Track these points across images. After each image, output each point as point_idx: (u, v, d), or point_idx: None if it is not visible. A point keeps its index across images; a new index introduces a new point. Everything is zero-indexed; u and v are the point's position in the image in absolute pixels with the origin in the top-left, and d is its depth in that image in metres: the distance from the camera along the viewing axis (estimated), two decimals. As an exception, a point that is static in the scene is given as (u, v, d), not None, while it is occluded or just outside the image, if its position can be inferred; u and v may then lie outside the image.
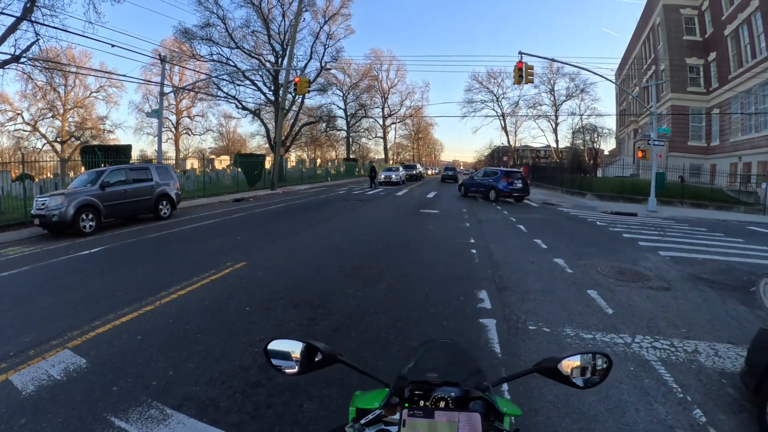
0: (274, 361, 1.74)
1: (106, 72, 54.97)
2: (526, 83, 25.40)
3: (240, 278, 8.49)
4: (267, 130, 50.80)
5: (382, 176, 45.41)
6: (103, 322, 6.02)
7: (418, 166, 70.05)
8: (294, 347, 1.73)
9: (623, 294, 8.55)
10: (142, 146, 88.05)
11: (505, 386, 4.60)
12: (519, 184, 28.76)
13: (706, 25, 40.72)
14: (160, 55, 29.62)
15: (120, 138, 70.87)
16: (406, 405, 1.50)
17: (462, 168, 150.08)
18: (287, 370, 1.73)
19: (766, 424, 4.06)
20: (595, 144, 72.98)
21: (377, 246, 12.03)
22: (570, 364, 1.70)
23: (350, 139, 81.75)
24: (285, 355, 1.74)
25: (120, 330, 5.78)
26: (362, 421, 1.51)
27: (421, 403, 1.52)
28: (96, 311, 6.47)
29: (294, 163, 64.26)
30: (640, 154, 31.73)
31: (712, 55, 39.61)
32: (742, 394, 4.81)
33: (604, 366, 1.71)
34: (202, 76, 46.18)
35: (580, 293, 8.44)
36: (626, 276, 10.00)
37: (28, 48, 21.53)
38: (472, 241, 13.45)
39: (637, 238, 15.49)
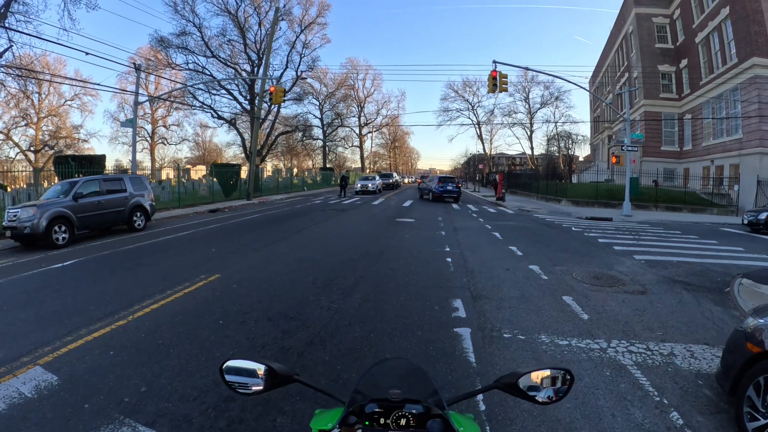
0: (230, 380, 1.72)
1: (81, 80, 54.62)
2: (501, 92, 25.66)
3: (214, 291, 8.45)
4: (243, 139, 50.53)
5: (359, 185, 45.53)
6: (75, 337, 5.97)
7: (395, 174, 70.35)
8: (250, 367, 1.72)
9: (598, 299, 8.68)
10: (117, 156, 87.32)
11: (480, 396, 4.64)
12: (449, 187, 35.96)
13: (678, 33, 41.74)
14: (135, 63, 29.32)
15: (95, 147, 70.31)
16: (366, 423, 1.48)
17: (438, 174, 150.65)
18: (243, 391, 1.72)
19: (744, 425, 4.14)
20: (569, 150, 74.04)
21: (352, 256, 12.05)
22: (530, 379, 1.68)
23: (326, 148, 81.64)
24: (241, 375, 1.73)
25: (92, 345, 5.72)
26: None
27: (382, 420, 1.49)
28: (68, 326, 6.40)
29: (270, 173, 64.07)
30: (614, 159, 32.17)
31: (684, 62, 40.61)
32: (719, 395, 4.90)
33: (566, 382, 1.70)
34: (178, 85, 45.92)
35: (556, 300, 8.55)
36: (601, 281, 10.15)
37: (1, 54, 21.31)
38: (448, 249, 13.54)
39: (612, 243, 15.73)
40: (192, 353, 5.54)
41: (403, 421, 1.47)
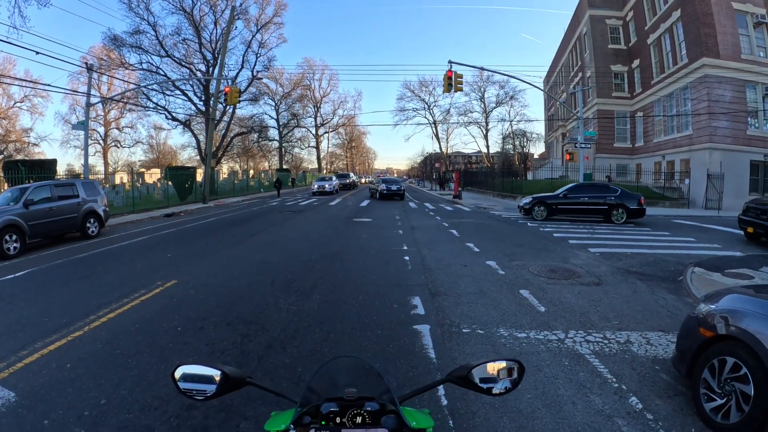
0: (183, 387, 1.69)
1: (31, 81, 52.96)
2: (456, 91, 25.95)
3: (171, 297, 8.37)
4: (198, 141, 49.92)
5: (316, 186, 45.43)
6: (31, 351, 5.84)
7: (352, 175, 70.54)
8: (203, 372, 1.69)
9: (555, 292, 8.90)
10: (68, 160, 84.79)
11: (441, 391, 4.74)
12: (393, 188, 39.73)
13: (631, 35, 42.95)
14: (87, 63, 28.59)
15: (46, 151, 68.21)
16: (323, 423, 1.50)
17: (396, 176, 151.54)
18: (197, 397, 1.69)
19: (701, 406, 4.34)
20: (524, 148, 75.14)
21: (310, 257, 12.07)
22: (481, 372, 1.70)
23: (283, 150, 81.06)
24: (194, 380, 1.69)
25: (48, 359, 5.61)
26: None
27: (338, 419, 1.51)
28: (22, 340, 6.25)
29: (226, 175, 63.13)
30: (568, 156, 32.90)
31: (636, 62, 41.82)
32: (676, 378, 5.11)
33: (516, 373, 1.72)
34: (132, 86, 45.03)
35: (513, 293, 8.74)
36: (557, 274, 10.40)
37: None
38: (405, 248, 13.67)
39: (567, 237, 16.09)
40: (151, 362, 5.50)
41: (359, 419, 1.51)
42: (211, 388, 1.68)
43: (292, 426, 1.54)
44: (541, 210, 22.77)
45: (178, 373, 1.70)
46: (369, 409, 1.53)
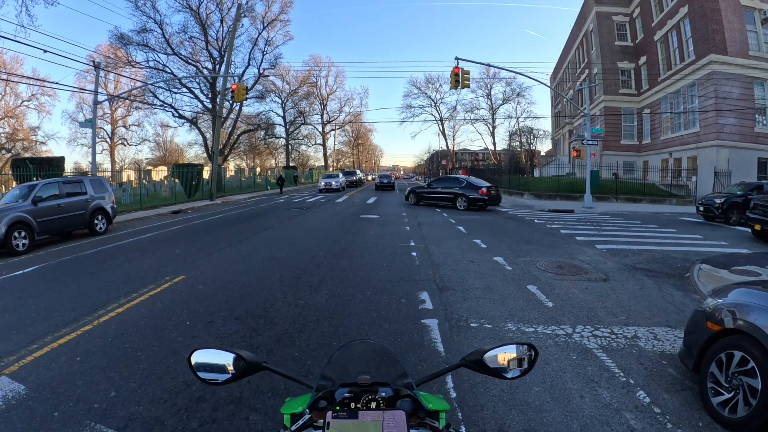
0: (200, 373, 1.71)
1: (39, 79, 53.19)
2: (463, 88, 25.84)
3: (179, 292, 8.41)
4: (204, 139, 49.81)
5: (322, 183, 45.56)
6: (41, 345, 5.88)
7: (358, 172, 70.35)
8: (218, 357, 1.71)
9: (562, 287, 8.88)
10: (76, 158, 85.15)
11: (450, 384, 4.78)
12: (385, 181, 52.14)
13: (637, 31, 42.93)
14: (94, 61, 28.60)
15: (53, 150, 68.25)
16: (338, 408, 1.51)
17: (402, 173, 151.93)
18: (213, 381, 1.71)
19: (709, 400, 4.34)
20: (531, 145, 75.01)
21: (318, 253, 12.09)
22: (495, 356, 1.73)
23: (289, 147, 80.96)
24: (210, 366, 1.71)
25: (58, 352, 5.66)
26: (292, 428, 1.53)
27: (352, 405, 1.53)
28: (33, 334, 6.30)
29: (233, 173, 63.31)
30: (575, 153, 32.85)
31: (643, 59, 41.75)
32: (683, 373, 5.11)
33: (530, 357, 1.75)
34: (138, 84, 45.11)
35: (520, 289, 8.73)
36: (565, 270, 10.39)
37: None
38: (413, 243, 13.67)
39: (575, 234, 16.06)
40: (160, 355, 5.53)
41: (373, 405, 1.52)
42: (227, 373, 1.70)
43: (307, 410, 1.55)
44: (412, 197, 29.50)
45: (194, 358, 1.72)
46: (383, 394, 1.55)
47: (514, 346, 1.74)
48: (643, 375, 5.13)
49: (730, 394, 4.16)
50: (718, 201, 21.38)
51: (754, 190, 20.88)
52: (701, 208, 22.58)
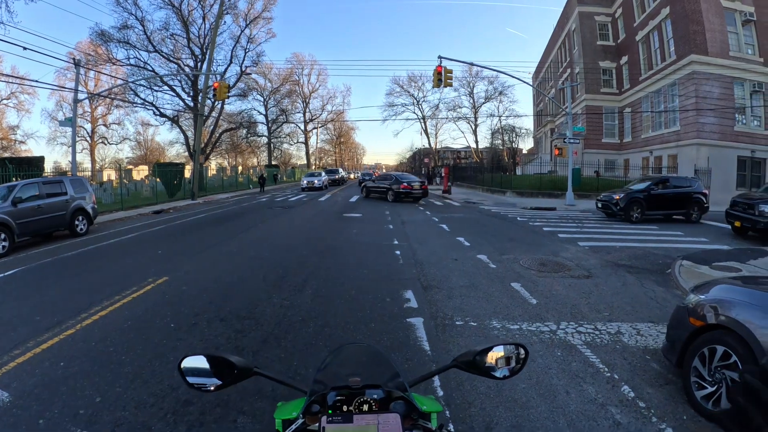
0: (190, 379, 1.69)
1: (18, 77, 52.30)
2: (446, 86, 25.90)
3: (163, 294, 8.34)
4: (186, 137, 49.43)
5: (305, 182, 45.54)
6: (23, 350, 5.79)
7: (341, 170, 70.43)
8: (208, 363, 1.70)
9: (546, 284, 8.98)
10: (55, 157, 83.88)
11: (437, 382, 4.80)
12: (367, 177, 51.92)
13: (619, 31, 43.48)
14: (74, 58, 28.30)
15: (32, 149, 66.99)
16: (330, 411, 1.51)
17: (385, 171, 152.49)
18: (204, 388, 1.69)
19: (692, 394, 4.43)
20: (513, 144, 75.53)
21: (302, 252, 12.08)
22: (486, 356, 1.75)
23: (272, 145, 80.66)
24: (200, 372, 1.69)
25: (42, 358, 5.58)
26: None
27: (345, 408, 1.53)
28: (15, 339, 6.21)
29: (215, 171, 62.81)
30: (556, 151, 33.11)
31: (625, 59, 42.27)
32: (667, 368, 5.19)
33: (521, 357, 1.78)
34: (119, 82, 44.65)
35: (504, 286, 8.81)
36: (548, 267, 10.48)
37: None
38: (396, 242, 13.72)
39: (557, 231, 16.19)
40: (145, 359, 5.49)
41: (365, 407, 1.52)
42: (218, 380, 1.68)
43: (301, 415, 1.55)
44: (364, 191, 34.49)
45: (184, 366, 1.70)
46: (375, 397, 1.55)
47: (504, 346, 1.77)
48: (627, 370, 5.21)
49: (714, 388, 4.25)
50: (616, 196, 20.67)
51: (659, 185, 20.66)
52: (599, 204, 22.07)
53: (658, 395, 4.65)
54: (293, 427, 1.53)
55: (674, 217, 20.77)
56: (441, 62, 25.04)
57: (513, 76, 76.34)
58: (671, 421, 4.20)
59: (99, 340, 6.15)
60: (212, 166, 69.84)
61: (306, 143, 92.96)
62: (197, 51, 46.00)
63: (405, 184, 30.26)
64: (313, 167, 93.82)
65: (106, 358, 5.54)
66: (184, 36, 44.84)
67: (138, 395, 4.63)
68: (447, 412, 4.30)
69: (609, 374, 5.08)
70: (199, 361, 1.70)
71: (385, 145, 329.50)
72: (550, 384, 4.85)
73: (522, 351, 1.78)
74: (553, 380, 4.93)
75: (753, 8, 32.14)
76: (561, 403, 4.48)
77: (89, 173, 52.29)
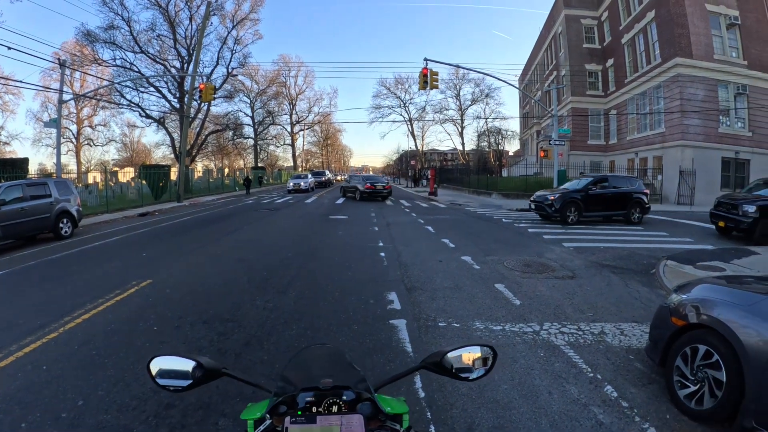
0: (159, 380, 1.67)
1: (2, 77, 51.80)
2: (432, 89, 25.91)
3: (146, 297, 8.29)
4: (172, 139, 49.15)
5: (291, 184, 45.44)
6: (6, 354, 5.74)
7: (327, 172, 70.38)
8: (178, 364, 1.68)
9: (530, 285, 9.01)
10: (40, 159, 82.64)
11: (418, 383, 4.81)
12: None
13: (605, 34, 43.78)
14: (59, 59, 28.02)
15: (17, 150, 66.12)
16: (299, 412, 1.50)
17: (371, 173, 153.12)
18: (172, 388, 1.67)
19: (675, 393, 4.46)
20: (499, 146, 75.65)
21: (286, 255, 12.08)
22: (454, 358, 1.73)
23: (258, 147, 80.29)
24: (169, 373, 1.68)
25: (24, 361, 5.53)
26: None
27: (314, 409, 1.52)
28: (-4, 342, 6.15)
29: (201, 174, 62.49)
30: (542, 153, 33.29)
31: (610, 62, 42.57)
32: (650, 367, 5.23)
33: (489, 358, 1.75)
34: (105, 83, 44.36)
35: (488, 288, 8.84)
36: (532, 268, 10.54)
37: None
38: (381, 244, 13.74)
39: (542, 233, 16.30)
40: (128, 362, 5.46)
41: (334, 408, 1.52)
42: (186, 381, 1.68)
43: (267, 415, 1.54)
44: (341, 191, 38.07)
45: (153, 366, 1.69)
46: (345, 398, 1.55)
47: (473, 348, 1.76)
48: (610, 370, 5.23)
49: (696, 387, 4.28)
50: (551, 197, 19.55)
51: (596, 184, 19.87)
52: (532, 206, 21.05)
53: (641, 395, 4.67)
54: (261, 427, 1.52)
55: (613, 218, 20.26)
56: (427, 64, 25.01)
57: (499, 79, 76.66)
58: (654, 420, 4.22)
59: (82, 343, 6.10)
60: (198, 168, 69.48)
61: (293, 145, 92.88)
62: (184, 52, 45.81)
63: (368, 184, 34.23)
64: (300, 169, 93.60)
65: (89, 362, 5.50)
66: (171, 37, 44.65)
67: (120, 398, 4.60)
68: (428, 413, 4.30)
69: (592, 374, 5.11)
70: (167, 362, 1.69)
71: (372, 147, 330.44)
72: (533, 385, 4.87)
73: (492, 352, 1.77)
74: (536, 381, 4.95)
75: (737, 12, 32.49)
76: (543, 403, 4.49)
77: (75, 175, 51.84)
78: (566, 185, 21.51)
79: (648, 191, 21.14)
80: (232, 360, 5.50)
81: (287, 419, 1.42)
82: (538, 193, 21.61)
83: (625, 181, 20.56)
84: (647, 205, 20.29)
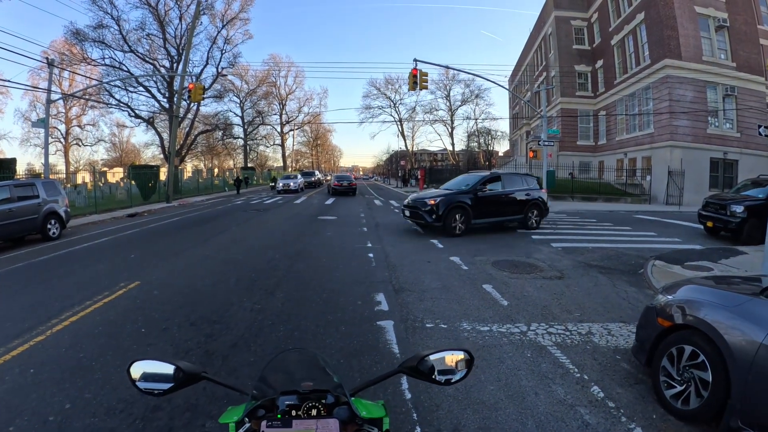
0: (139, 383, 1.70)
1: (-10, 77, 51.43)
2: (421, 89, 25.90)
3: (134, 299, 8.25)
4: (161, 139, 49.02)
5: (281, 184, 45.24)
6: (-8, 357, 5.69)
7: (317, 173, 70.21)
8: (157, 368, 1.70)
9: (517, 286, 9.05)
10: (28, 159, 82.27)
11: (404, 385, 4.82)
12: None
13: (595, 36, 44.23)
14: (48, 58, 27.73)
15: (5, 150, 65.58)
16: (279, 416, 1.52)
17: (362, 173, 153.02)
18: (152, 392, 1.70)
19: (662, 393, 4.51)
20: (489, 146, 75.92)
21: (275, 256, 12.05)
22: (431, 361, 1.73)
23: (248, 147, 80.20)
24: (149, 377, 1.70)
25: (11, 365, 5.50)
26: None
27: (294, 412, 1.54)
28: (-18, 346, 6.10)
29: (190, 174, 62.33)
30: (531, 154, 33.41)
31: (600, 63, 42.99)
32: (637, 367, 5.27)
33: (466, 362, 1.77)
34: (94, 82, 44.12)
35: (476, 288, 8.87)
36: (520, 269, 10.58)
37: None
38: (370, 245, 13.76)
39: (530, 233, 16.29)
40: (115, 365, 5.43)
41: (314, 412, 1.53)
42: (166, 384, 1.69)
43: (246, 418, 1.56)
44: (327, 190, 41.53)
45: (134, 370, 1.72)
46: (324, 402, 1.57)
47: (449, 352, 1.77)
48: (597, 370, 5.27)
49: (682, 387, 4.33)
50: (430, 201, 15.87)
51: (486, 183, 16.53)
52: (407, 213, 17.20)
53: (627, 395, 4.71)
54: (241, 430, 1.54)
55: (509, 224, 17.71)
56: (417, 65, 25.00)
57: (489, 80, 77.16)
58: (641, 420, 4.26)
59: (69, 346, 6.07)
60: (188, 168, 69.27)
61: (282, 145, 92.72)
62: (173, 52, 45.72)
63: (336, 182, 42.10)
64: (290, 169, 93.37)
65: (77, 365, 5.47)
66: (161, 36, 44.59)
67: (108, 401, 4.58)
68: (414, 415, 4.32)
69: (579, 375, 5.14)
70: (147, 366, 1.71)
71: (362, 147, 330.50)
72: (519, 385, 4.89)
73: (467, 356, 1.78)
74: (522, 381, 4.97)
75: (726, 14, 32.87)
76: (530, 404, 4.51)
77: (63, 175, 51.57)
78: (448, 185, 18.44)
79: (546, 191, 19.64)
80: (219, 362, 5.49)
81: (263, 423, 1.45)
82: (414, 195, 18.00)
83: (519, 181, 17.62)
84: (546, 208, 18.06)
